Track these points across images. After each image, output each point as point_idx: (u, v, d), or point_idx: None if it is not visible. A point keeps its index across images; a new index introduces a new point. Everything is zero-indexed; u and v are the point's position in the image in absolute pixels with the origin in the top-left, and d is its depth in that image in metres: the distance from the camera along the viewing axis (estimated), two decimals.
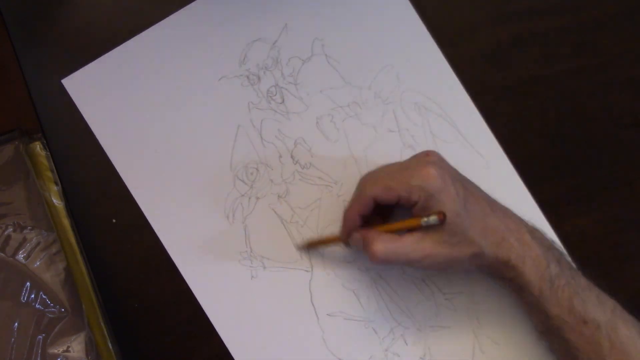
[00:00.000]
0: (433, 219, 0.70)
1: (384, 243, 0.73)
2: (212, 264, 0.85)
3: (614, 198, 0.89)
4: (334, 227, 0.87)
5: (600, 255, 0.84)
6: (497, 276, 0.77)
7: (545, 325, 0.75)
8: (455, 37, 0.93)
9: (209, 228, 0.86)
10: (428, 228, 0.72)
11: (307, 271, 0.86)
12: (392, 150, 0.89)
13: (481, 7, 0.95)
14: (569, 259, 0.77)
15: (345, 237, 0.79)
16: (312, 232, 0.87)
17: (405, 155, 0.85)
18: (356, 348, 0.83)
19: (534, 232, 0.75)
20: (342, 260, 0.86)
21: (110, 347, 0.81)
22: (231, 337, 0.83)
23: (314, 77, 0.91)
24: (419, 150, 0.83)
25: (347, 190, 0.87)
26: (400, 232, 0.75)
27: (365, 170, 0.82)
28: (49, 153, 0.86)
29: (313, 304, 0.85)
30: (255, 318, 0.84)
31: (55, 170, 0.85)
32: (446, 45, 0.93)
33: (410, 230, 0.74)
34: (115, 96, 0.90)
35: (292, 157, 0.89)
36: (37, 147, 0.85)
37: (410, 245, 0.73)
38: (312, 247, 0.85)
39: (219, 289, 0.85)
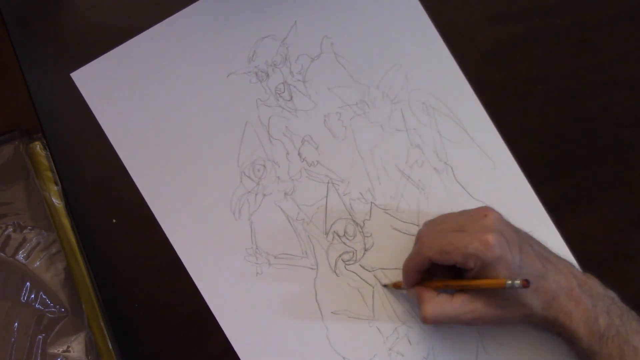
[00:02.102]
0: (518, 283, 0.58)
1: (434, 306, 0.64)
2: (218, 260, 0.73)
3: (614, 198, 0.76)
4: (339, 225, 0.74)
5: (601, 255, 0.72)
6: (545, 330, 0.67)
7: None
8: (456, 37, 0.80)
9: (215, 224, 0.74)
10: (480, 290, 0.63)
11: (312, 269, 0.73)
12: (399, 149, 0.76)
13: (481, 7, 0.82)
14: (620, 304, 0.64)
15: (405, 287, 0.69)
16: (318, 230, 0.74)
17: (412, 155, 0.75)
18: (360, 346, 0.71)
19: (584, 283, 0.64)
20: (347, 259, 0.73)
21: (110, 347, 0.70)
22: (235, 333, 0.71)
23: (322, 75, 0.78)
24: (426, 150, 0.76)
25: (353, 188, 0.75)
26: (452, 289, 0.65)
27: (372, 169, 0.75)
28: (49, 153, 0.74)
29: (318, 302, 0.72)
30: (260, 315, 0.72)
31: (55, 170, 0.74)
32: (446, 44, 0.80)
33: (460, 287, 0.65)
34: (124, 91, 0.78)
35: (299, 154, 0.76)
36: (37, 147, 0.74)
37: (461, 306, 0.63)
38: (387, 287, 0.73)
39: (224, 285, 0.72)
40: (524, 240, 0.64)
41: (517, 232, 0.64)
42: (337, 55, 0.78)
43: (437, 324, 0.69)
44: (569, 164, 0.76)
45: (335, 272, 0.72)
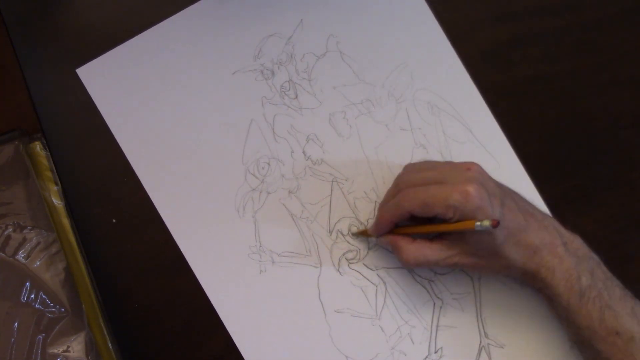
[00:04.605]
0: (486, 224, 0.51)
1: (414, 251, 0.58)
2: (221, 257, 0.65)
3: (614, 198, 0.68)
4: (343, 224, 0.66)
5: (600, 255, 0.62)
6: (527, 285, 0.60)
7: (577, 335, 0.57)
8: (455, 37, 0.71)
9: (219, 221, 0.65)
10: (458, 238, 0.57)
11: (315, 267, 0.64)
12: (404, 148, 0.68)
13: (481, 6, 0.72)
14: (604, 269, 0.58)
15: (375, 235, 0.62)
16: (321, 228, 0.65)
17: (417, 155, 0.67)
18: (363, 345, 0.63)
19: (570, 243, 0.58)
20: (350, 257, 0.65)
21: (110, 347, 0.63)
22: (238, 330, 0.63)
23: (327, 73, 0.69)
24: (430, 150, 0.67)
25: (358, 187, 0.67)
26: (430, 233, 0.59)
27: (376, 168, 0.66)
28: (49, 153, 0.68)
29: (321, 300, 0.64)
30: (263, 312, 0.64)
31: (55, 170, 0.67)
32: None
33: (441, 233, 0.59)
34: (129, 87, 0.69)
35: (303, 152, 0.67)
36: (37, 147, 0.68)
37: (440, 252, 0.57)
38: (355, 235, 0.65)
39: (227, 282, 0.64)
40: (507, 194, 0.58)
41: (501, 187, 0.58)
42: (343, 54, 0.69)
43: (418, 267, 0.63)
44: (569, 164, 0.68)
45: (338, 270, 0.64)
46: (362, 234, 0.64)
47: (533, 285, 0.58)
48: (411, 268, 0.64)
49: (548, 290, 0.57)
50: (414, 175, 0.59)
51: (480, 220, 0.52)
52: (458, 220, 0.54)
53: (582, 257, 0.57)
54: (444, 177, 0.56)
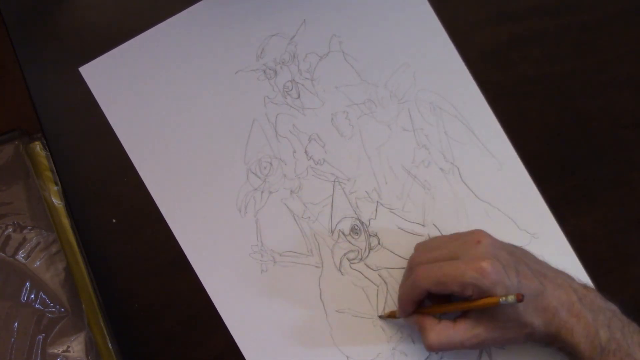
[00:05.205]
0: (512, 299, 0.51)
1: (438, 334, 0.56)
2: (223, 257, 0.64)
3: (614, 198, 0.67)
4: (345, 224, 0.65)
5: (600, 255, 0.64)
6: (548, 345, 0.59)
7: None
8: (456, 37, 0.70)
9: (221, 221, 0.64)
10: (481, 314, 0.55)
11: (317, 267, 0.63)
12: (406, 149, 0.66)
13: (481, 6, 0.71)
14: (621, 316, 0.57)
15: (402, 316, 0.60)
16: (323, 228, 0.64)
17: (418, 155, 0.65)
18: (364, 345, 0.62)
19: (584, 297, 0.56)
20: (352, 257, 0.64)
21: (110, 347, 0.62)
22: (239, 330, 0.62)
23: (330, 73, 0.68)
24: (432, 150, 0.65)
25: (359, 187, 0.65)
26: (454, 312, 0.57)
27: (378, 168, 0.65)
28: (49, 153, 0.67)
29: (322, 300, 0.63)
30: (264, 312, 0.63)
31: (55, 170, 0.66)
32: None
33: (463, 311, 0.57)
34: (132, 86, 0.68)
35: (306, 152, 0.66)
36: (37, 147, 0.67)
37: (465, 332, 0.56)
38: (384, 317, 0.63)
39: (229, 282, 0.63)
40: (519, 260, 0.56)
41: (512, 253, 0.56)
42: (345, 54, 0.68)
43: (442, 351, 0.61)
44: (568, 164, 0.67)
45: (340, 270, 0.63)
46: (391, 316, 0.62)
47: (553, 345, 0.57)
48: (434, 352, 0.62)
49: (569, 349, 0.55)
50: (426, 255, 0.58)
51: (505, 296, 0.51)
52: (477, 297, 0.53)
53: (598, 310, 0.56)
54: (456, 254, 0.55)
